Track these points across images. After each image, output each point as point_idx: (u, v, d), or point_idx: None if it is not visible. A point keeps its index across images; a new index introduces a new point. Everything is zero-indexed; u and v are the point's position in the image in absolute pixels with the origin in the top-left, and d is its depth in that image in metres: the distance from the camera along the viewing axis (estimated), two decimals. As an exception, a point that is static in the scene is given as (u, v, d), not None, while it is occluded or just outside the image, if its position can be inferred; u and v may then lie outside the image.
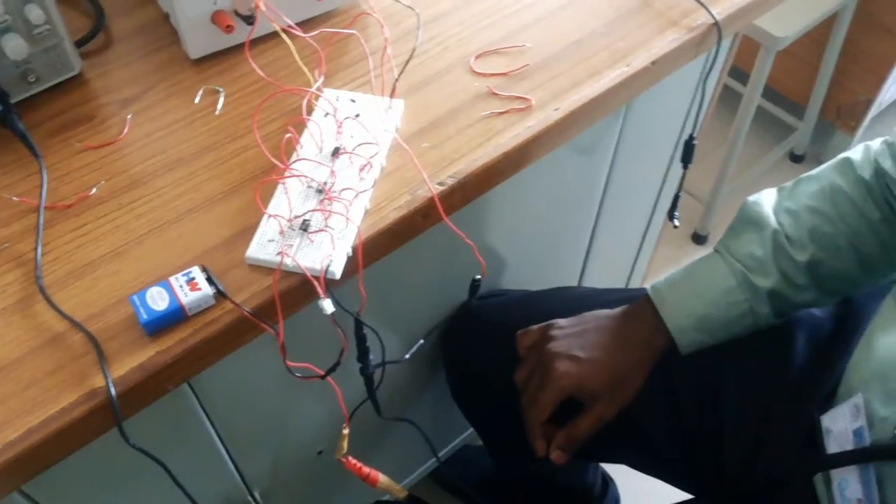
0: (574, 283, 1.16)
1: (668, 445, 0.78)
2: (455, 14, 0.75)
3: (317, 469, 0.92)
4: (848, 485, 0.61)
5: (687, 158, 0.91)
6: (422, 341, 0.83)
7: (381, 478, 0.77)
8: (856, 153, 0.70)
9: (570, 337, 0.76)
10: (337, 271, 0.56)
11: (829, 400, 0.67)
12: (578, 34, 0.74)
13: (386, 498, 0.87)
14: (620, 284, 1.32)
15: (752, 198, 0.73)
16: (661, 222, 1.21)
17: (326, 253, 0.56)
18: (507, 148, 0.65)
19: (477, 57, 0.71)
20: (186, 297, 0.53)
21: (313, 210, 0.58)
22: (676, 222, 0.96)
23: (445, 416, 1.09)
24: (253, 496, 0.84)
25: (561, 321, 0.78)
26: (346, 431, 0.70)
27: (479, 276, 0.79)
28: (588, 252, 1.10)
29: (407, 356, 0.79)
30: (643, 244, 1.25)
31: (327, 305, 0.56)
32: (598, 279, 1.19)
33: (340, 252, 0.56)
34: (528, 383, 0.77)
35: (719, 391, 0.74)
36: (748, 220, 0.72)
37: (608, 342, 0.75)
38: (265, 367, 0.67)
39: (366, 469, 0.76)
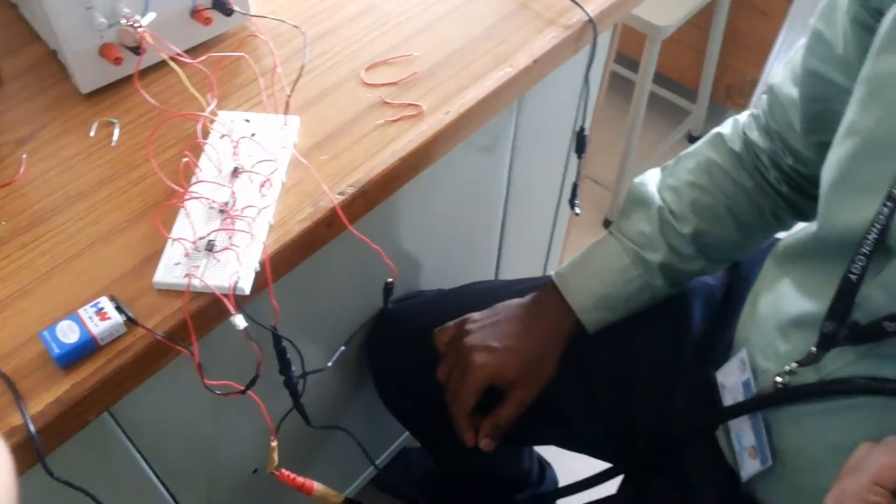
0: (491, 277, 1.20)
1: (585, 422, 0.82)
2: (342, 30, 0.78)
3: (254, 487, 0.93)
4: (743, 434, 0.66)
5: (580, 149, 0.95)
6: (343, 348, 0.85)
7: (317, 486, 0.79)
8: (726, 127, 0.76)
9: (485, 329, 0.79)
10: (246, 287, 0.58)
11: (724, 359, 0.72)
12: (462, 40, 0.77)
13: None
14: (537, 274, 1.37)
15: (638, 179, 0.78)
16: (569, 211, 1.26)
17: (233, 270, 0.58)
18: (403, 153, 0.68)
19: (367, 69, 0.74)
20: (97, 328, 0.54)
21: (217, 230, 0.59)
22: (577, 210, 1.01)
23: (380, 422, 1.11)
24: (188, 520, 0.85)
25: (475, 315, 0.81)
26: (274, 444, 0.72)
27: (390, 280, 0.81)
28: (501, 246, 1.14)
29: (329, 364, 0.81)
30: (554, 233, 1.30)
31: (239, 321, 0.57)
32: (515, 271, 1.24)
33: (247, 268, 0.58)
34: (450, 378, 0.80)
35: (627, 364, 0.79)
36: (636, 201, 0.77)
37: (520, 330, 0.78)
38: (187, 390, 0.68)
39: (300, 479, 0.77)
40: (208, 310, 0.58)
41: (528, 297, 0.81)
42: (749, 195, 0.74)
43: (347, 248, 0.75)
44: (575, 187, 1.00)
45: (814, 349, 0.58)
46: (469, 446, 0.79)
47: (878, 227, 0.52)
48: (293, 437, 0.88)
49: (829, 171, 0.58)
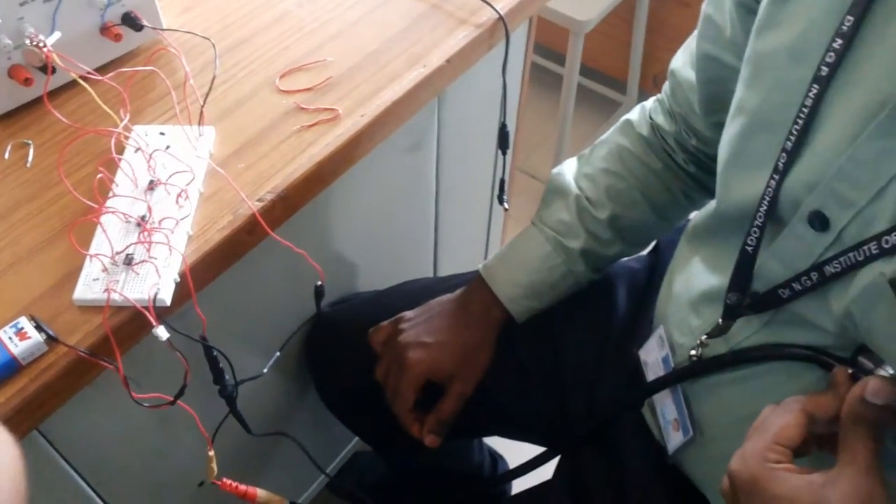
0: (430, 274, 1.21)
1: (521, 410, 0.84)
2: (256, 39, 0.78)
3: (201, 500, 0.93)
4: (666, 408, 0.68)
5: (504, 145, 0.97)
6: (278, 354, 0.86)
7: (259, 492, 0.79)
8: (634, 114, 0.79)
9: (418, 326, 0.81)
10: (166, 298, 0.58)
11: (646, 338, 0.75)
12: (376, 44, 0.79)
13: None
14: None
15: (556, 169, 0.81)
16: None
17: (153, 282, 0.58)
18: (321, 157, 0.69)
19: (282, 76, 0.75)
20: (17, 348, 0.54)
21: (134, 243, 0.60)
22: (506, 205, 1.03)
23: (328, 428, 1.12)
24: (138, 539, 0.84)
25: (408, 313, 0.82)
26: (211, 453, 0.72)
27: (320, 283, 0.82)
28: (437, 243, 1.16)
29: (265, 370, 0.82)
30: (490, 229, 1.32)
31: (161, 332, 0.58)
32: (454, 267, 1.25)
33: (167, 279, 0.59)
34: (388, 377, 0.81)
35: (557, 350, 0.81)
36: (555, 191, 0.79)
37: (452, 323, 0.80)
38: (117, 404, 0.68)
39: (242, 487, 0.78)
40: (131, 323, 0.59)
41: (458, 292, 0.83)
42: (659, 177, 0.76)
43: (274, 254, 0.76)
44: (503, 183, 1.02)
45: (720, 321, 0.61)
46: (417, 437, 0.81)
47: (768, 199, 0.54)
48: (237, 446, 0.88)
49: (723, 149, 0.61)
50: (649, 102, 0.78)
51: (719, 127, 0.69)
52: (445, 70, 0.79)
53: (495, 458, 1.33)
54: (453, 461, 1.20)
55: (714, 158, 0.74)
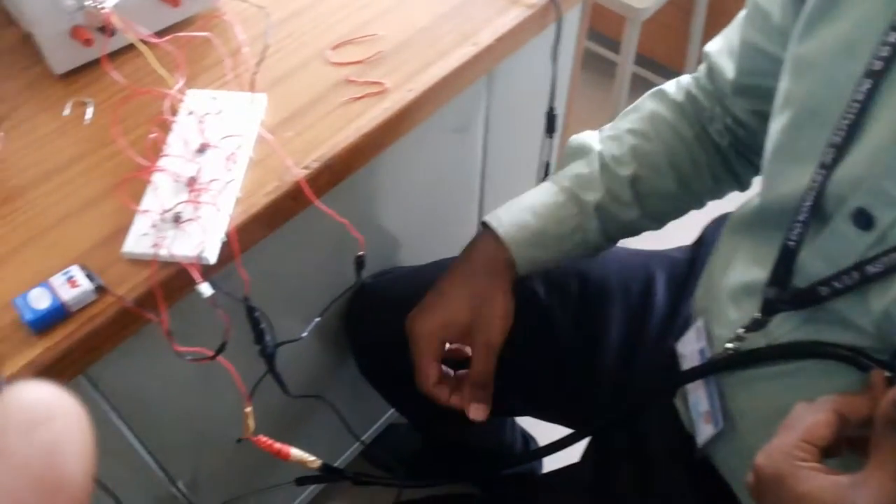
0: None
1: (553, 391, 0.84)
2: (309, 11, 0.80)
3: (240, 456, 0.96)
4: (698, 401, 0.68)
5: (551, 129, 0.97)
6: (318, 319, 0.88)
7: (293, 451, 0.81)
8: (669, 86, 0.77)
9: (428, 300, 0.77)
10: (210, 256, 0.60)
11: (684, 331, 0.75)
12: (426, 20, 0.80)
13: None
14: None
15: (574, 136, 0.79)
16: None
17: (199, 240, 0.60)
18: (367, 129, 0.71)
19: (333, 48, 0.76)
20: (67, 294, 0.57)
21: (183, 202, 0.62)
22: (551, 187, 1.02)
23: (366, 397, 1.14)
24: (177, 487, 0.87)
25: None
26: (248, 410, 0.75)
27: (361, 253, 0.84)
28: (479, 223, 1.16)
29: (304, 334, 0.84)
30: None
31: (205, 289, 0.60)
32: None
33: (213, 238, 0.61)
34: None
35: (594, 334, 0.81)
36: (573, 153, 0.78)
37: (455, 278, 0.76)
38: (161, 356, 0.70)
39: (276, 445, 0.80)
40: (176, 279, 0.61)
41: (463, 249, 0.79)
42: (689, 148, 0.74)
43: (318, 221, 0.77)
44: (548, 166, 1.02)
45: (758, 315, 0.60)
46: (460, 410, 0.76)
47: (813, 194, 0.54)
48: (276, 407, 0.90)
49: (770, 140, 0.60)
50: (685, 78, 0.77)
51: (756, 114, 0.68)
52: (495, 49, 0.79)
53: (527, 438, 1.34)
54: (486, 439, 1.22)
55: (744, 141, 0.73)
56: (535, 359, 0.82)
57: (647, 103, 0.77)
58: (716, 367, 0.65)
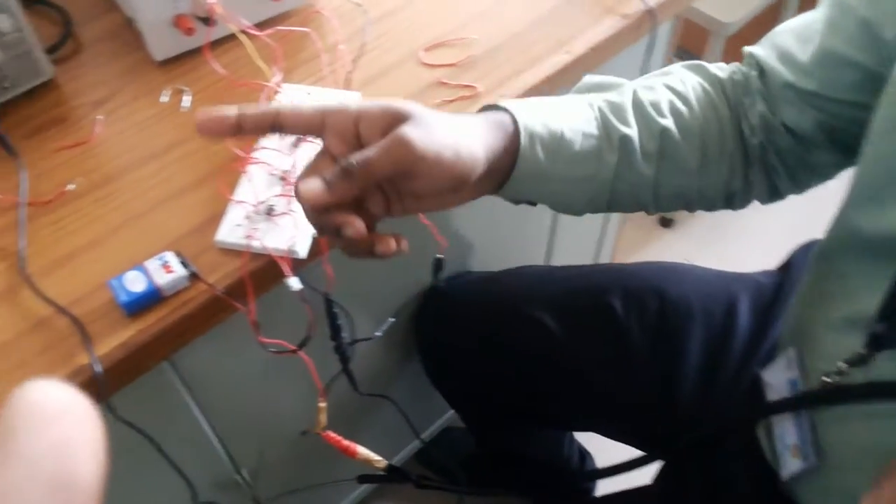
0: (541, 262, 1.21)
1: (624, 406, 0.83)
2: (404, 10, 0.80)
3: (302, 449, 0.97)
4: (786, 432, 0.66)
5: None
6: (392, 319, 0.88)
7: (360, 450, 0.81)
8: (706, 64, 0.69)
9: None
10: (301, 251, 0.60)
11: (770, 358, 0.72)
12: (520, 25, 0.79)
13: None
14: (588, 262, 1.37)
15: (589, 75, 0.69)
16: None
17: (291, 235, 0.60)
18: (458, 132, 0.70)
19: (426, 50, 0.76)
20: (162, 279, 0.57)
21: (277, 195, 0.62)
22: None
23: (426, 398, 1.14)
24: (241, 474, 0.88)
25: None
26: (322, 405, 0.75)
27: (440, 256, 0.84)
28: (553, 232, 1.15)
29: (378, 333, 0.84)
30: (608, 225, 1.30)
31: (294, 283, 0.60)
32: (566, 258, 1.24)
33: (304, 233, 0.61)
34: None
35: (673, 351, 0.79)
36: (599, 85, 0.67)
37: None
38: (243, 346, 0.71)
39: (345, 442, 0.80)
40: (265, 271, 0.61)
41: None
42: (722, 126, 0.66)
43: (402, 222, 0.77)
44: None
45: (863, 350, 0.58)
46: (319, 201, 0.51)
47: None
48: (341, 402, 0.91)
49: (878, 167, 0.57)
50: (723, 64, 0.69)
51: (822, 127, 0.63)
52: (588, 58, 0.78)
53: (584, 454, 1.33)
54: (542, 450, 1.20)
55: (793, 151, 0.66)
56: (608, 373, 0.80)
57: (683, 72, 0.68)
58: (812, 400, 0.62)
